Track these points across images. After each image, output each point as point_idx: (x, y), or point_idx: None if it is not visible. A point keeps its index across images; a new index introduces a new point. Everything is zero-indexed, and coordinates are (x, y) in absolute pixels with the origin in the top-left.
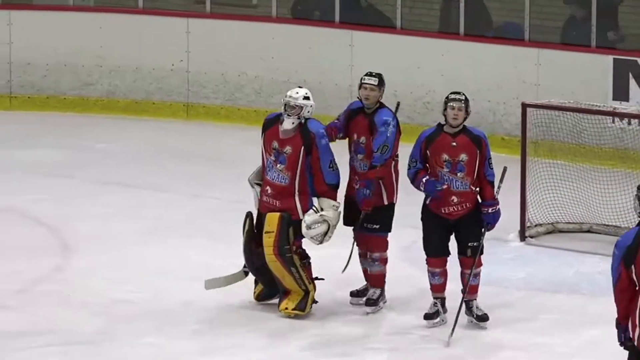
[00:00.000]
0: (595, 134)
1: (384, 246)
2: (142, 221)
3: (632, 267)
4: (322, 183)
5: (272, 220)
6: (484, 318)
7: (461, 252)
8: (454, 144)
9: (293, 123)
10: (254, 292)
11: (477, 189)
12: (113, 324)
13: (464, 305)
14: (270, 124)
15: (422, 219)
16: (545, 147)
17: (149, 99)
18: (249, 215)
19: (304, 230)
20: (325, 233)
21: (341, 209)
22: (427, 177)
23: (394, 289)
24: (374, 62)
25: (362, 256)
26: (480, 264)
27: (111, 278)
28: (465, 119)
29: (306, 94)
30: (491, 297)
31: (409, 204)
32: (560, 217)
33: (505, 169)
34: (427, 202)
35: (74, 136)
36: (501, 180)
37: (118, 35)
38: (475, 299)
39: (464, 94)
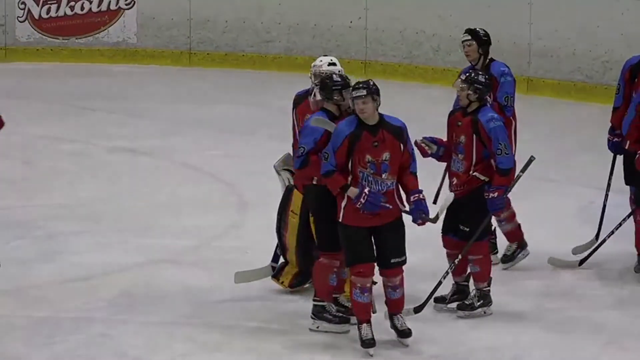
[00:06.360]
0: None
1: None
2: None
3: None
4: None
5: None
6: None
7: None
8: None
9: None
10: (280, 281)
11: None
12: None
13: None
14: (302, 100)
15: None
16: None
17: None
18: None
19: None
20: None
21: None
22: None
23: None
24: (552, 21)
25: None
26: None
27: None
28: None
29: (331, 60)
30: None
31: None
32: None
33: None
34: None
35: (252, 93)
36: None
37: None
38: None
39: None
